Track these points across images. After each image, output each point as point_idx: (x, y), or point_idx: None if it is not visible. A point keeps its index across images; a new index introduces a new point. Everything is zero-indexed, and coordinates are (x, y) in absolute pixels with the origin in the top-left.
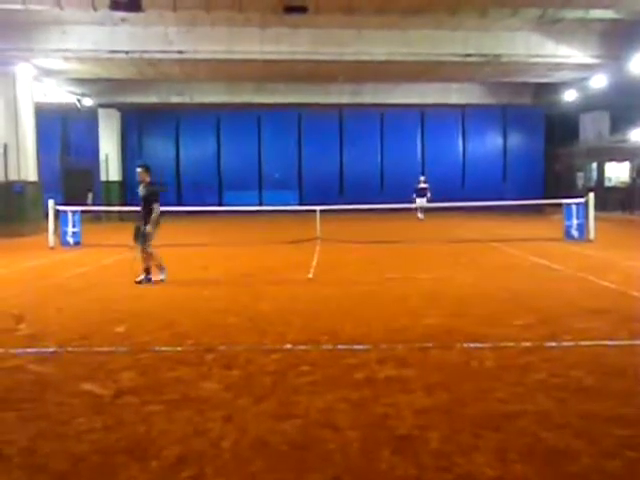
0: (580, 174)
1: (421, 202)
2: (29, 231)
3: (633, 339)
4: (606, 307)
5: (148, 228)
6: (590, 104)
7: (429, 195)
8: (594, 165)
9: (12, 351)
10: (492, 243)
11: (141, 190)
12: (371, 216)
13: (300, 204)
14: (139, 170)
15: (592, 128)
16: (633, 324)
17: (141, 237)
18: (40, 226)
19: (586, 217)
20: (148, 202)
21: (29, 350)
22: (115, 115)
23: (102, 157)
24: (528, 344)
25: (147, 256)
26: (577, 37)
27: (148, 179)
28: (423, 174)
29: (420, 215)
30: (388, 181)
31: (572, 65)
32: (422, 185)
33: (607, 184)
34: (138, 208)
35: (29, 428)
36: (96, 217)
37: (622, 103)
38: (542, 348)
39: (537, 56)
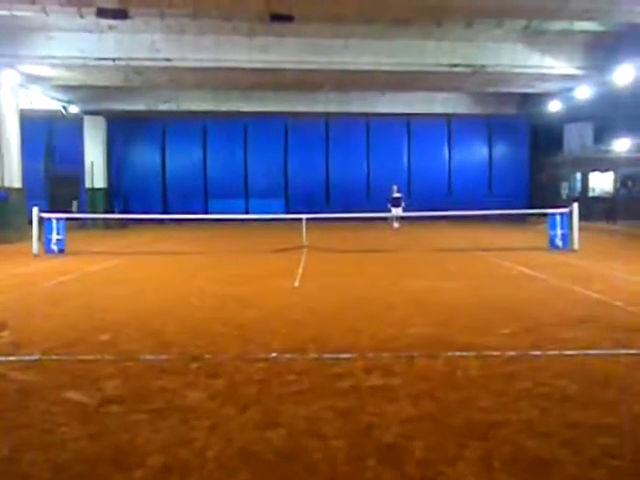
0: (564, 184)
1: (396, 211)
2: (13, 238)
3: (617, 348)
4: (590, 316)
5: None
6: (574, 115)
7: (403, 204)
8: (578, 175)
9: None
10: (477, 252)
11: None
12: (357, 224)
13: (286, 212)
14: None
15: (576, 138)
16: (617, 333)
17: None
18: (24, 233)
19: (570, 227)
20: None
21: (12, 358)
22: (101, 122)
23: (87, 164)
24: (513, 353)
25: None
26: (562, 48)
27: None
28: (396, 184)
29: (395, 224)
30: (374, 190)
31: (557, 76)
32: (396, 195)
33: (591, 194)
34: (123, 216)
35: (12, 437)
36: (81, 224)
37: (606, 114)
38: (527, 357)
39: (522, 67)
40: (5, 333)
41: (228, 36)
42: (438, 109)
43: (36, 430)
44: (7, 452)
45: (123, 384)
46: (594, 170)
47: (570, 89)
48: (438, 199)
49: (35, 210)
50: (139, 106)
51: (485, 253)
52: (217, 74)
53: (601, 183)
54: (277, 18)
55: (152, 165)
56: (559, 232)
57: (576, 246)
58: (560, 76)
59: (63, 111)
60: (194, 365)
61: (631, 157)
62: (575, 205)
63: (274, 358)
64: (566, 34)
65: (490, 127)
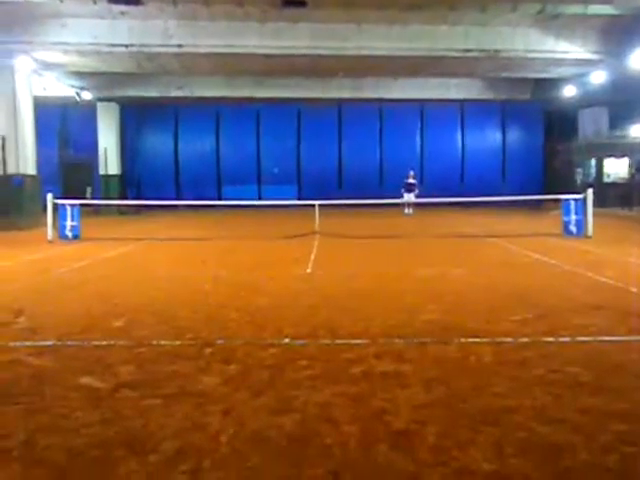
0: (579, 170)
1: (409, 197)
2: (27, 224)
3: (631, 335)
4: (604, 303)
5: None
6: (589, 100)
7: (417, 191)
8: (593, 161)
9: (11, 344)
10: (490, 239)
11: None
12: (370, 211)
13: (299, 199)
14: None
15: (591, 124)
16: (631, 320)
17: None
18: (39, 220)
19: (584, 213)
20: None
21: (28, 343)
22: (114, 109)
23: (101, 151)
24: (526, 339)
25: None
26: (576, 33)
27: None
28: (412, 169)
29: (407, 210)
30: (387, 176)
31: (571, 61)
32: (411, 180)
33: (606, 180)
34: (137, 202)
35: (28, 421)
36: (95, 211)
37: (621, 99)
38: (540, 344)
39: (536, 51)
40: (21, 319)
41: (240, 22)
42: (451, 95)
43: (51, 415)
44: (24, 436)
45: (137, 369)
46: (609, 156)
47: (585, 74)
48: (451, 185)
49: (49, 196)
50: (152, 92)
51: (498, 239)
52: (229, 60)
53: (616, 169)
54: (289, 3)
55: (165, 151)
56: (573, 218)
57: (590, 232)
58: (575, 61)
59: (77, 97)
60: (207, 351)
61: None
62: (589, 191)
63: (286, 344)
64: (581, 18)
65: (504, 113)
